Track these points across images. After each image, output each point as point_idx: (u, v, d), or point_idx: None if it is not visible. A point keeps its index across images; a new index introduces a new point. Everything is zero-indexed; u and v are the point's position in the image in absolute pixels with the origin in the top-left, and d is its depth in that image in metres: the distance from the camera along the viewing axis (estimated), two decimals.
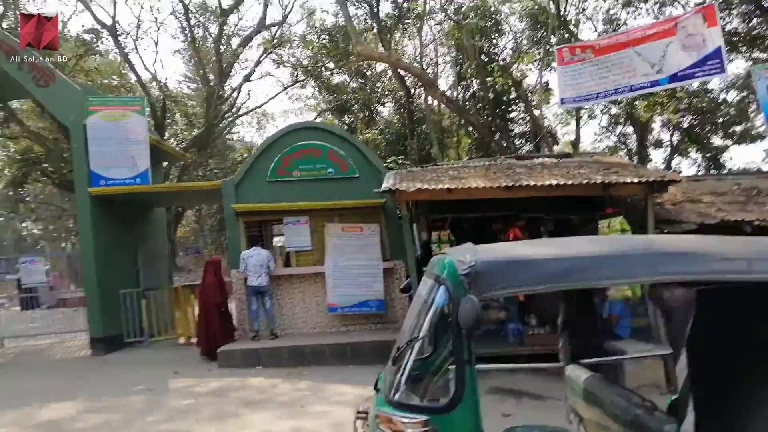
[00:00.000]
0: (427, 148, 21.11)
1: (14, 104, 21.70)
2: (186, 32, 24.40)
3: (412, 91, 18.42)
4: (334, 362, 8.33)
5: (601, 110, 25.72)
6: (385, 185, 7.18)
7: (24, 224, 18.56)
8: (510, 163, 8.53)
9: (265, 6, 23.85)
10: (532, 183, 6.82)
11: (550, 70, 15.95)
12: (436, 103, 20.42)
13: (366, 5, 21.38)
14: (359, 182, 10.24)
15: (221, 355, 8.41)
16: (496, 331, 8.76)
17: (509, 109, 20.02)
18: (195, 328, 9.76)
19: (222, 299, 9.06)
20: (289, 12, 26.05)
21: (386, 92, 25.82)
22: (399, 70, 19.46)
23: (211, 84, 21.74)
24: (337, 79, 27.72)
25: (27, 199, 16.18)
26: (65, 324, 10.56)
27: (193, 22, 23.08)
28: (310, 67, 27.10)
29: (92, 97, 10.65)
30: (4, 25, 17.76)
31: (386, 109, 26.96)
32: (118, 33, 21.92)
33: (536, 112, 16.57)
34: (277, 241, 11.63)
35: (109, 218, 10.43)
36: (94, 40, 22.14)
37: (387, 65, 26.37)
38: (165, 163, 18.30)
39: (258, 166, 10.24)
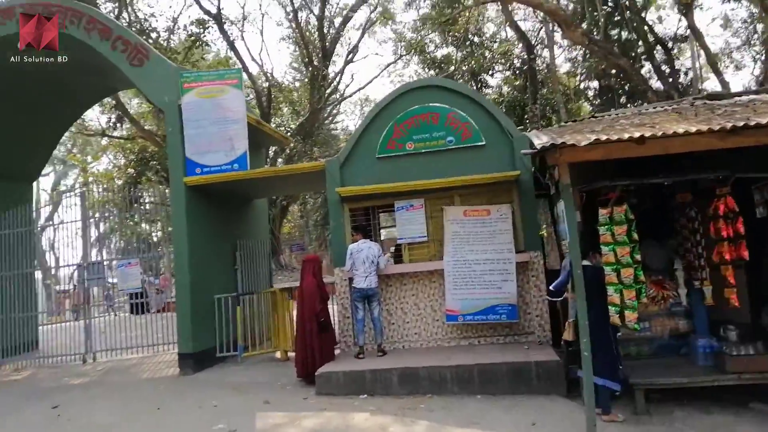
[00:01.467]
0: (549, 115, 18.30)
1: (128, 101, 22.30)
2: (289, 15, 23.57)
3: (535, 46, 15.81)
4: (457, 391, 6.32)
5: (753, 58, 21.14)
6: (539, 141, 4.93)
7: (140, 225, 18.42)
8: (705, 104, 5.85)
9: None
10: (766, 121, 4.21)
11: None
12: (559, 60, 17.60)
13: None
14: (487, 152, 8.07)
15: (320, 379, 6.71)
16: (674, 348, 6.27)
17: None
18: (293, 340, 8.19)
19: (322, 307, 7.35)
20: None
21: (497, 57, 23.26)
22: (516, 23, 16.88)
23: (316, 64, 20.47)
24: (442, 52, 25.87)
25: (142, 199, 15.77)
26: (162, 333, 9.48)
27: (297, 3, 22.10)
28: (413, 41, 25.43)
29: (186, 72, 9.47)
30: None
31: (495, 79, 24.49)
32: (223, 22, 21.51)
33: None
34: (385, 234, 9.79)
35: (206, 212, 9.21)
36: (201, 31, 21.90)
37: (502, 21, 24.08)
38: (267, 151, 17.35)
39: (366, 141, 8.43)
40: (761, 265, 5.60)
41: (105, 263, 11.59)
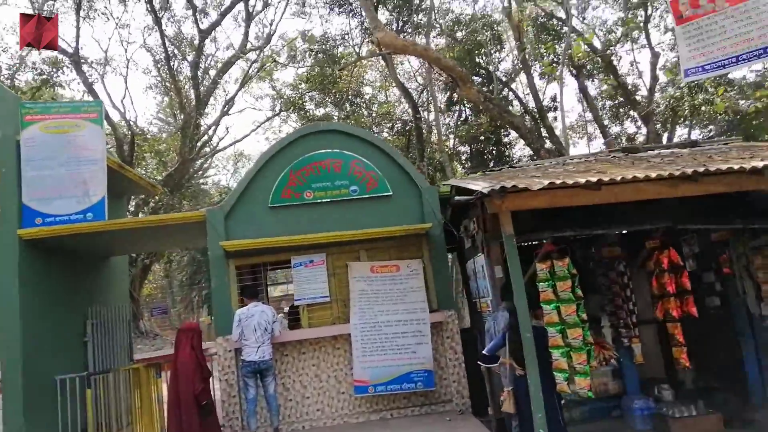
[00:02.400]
0: (432, 174, 18.61)
1: None
2: (159, 63, 21.92)
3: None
4: None
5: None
6: (479, 187, 4.30)
7: None
8: (629, 155, 5.78)
9: (247, 27, 21.49)
10: (726, 167, 4.03)
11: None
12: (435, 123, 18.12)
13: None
14: (394, 202, 7.43)
15: None
16: (604, 410, 5.90)
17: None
18: (161, 428, 6.54)
19: (203, 387, 5.93)
20: (272, 34, 23.35)
21: (377, 119, 23.62)
22: (401, 83, 17.13)
23: (190, 112, 18.92)
24: (321, 111, 25.82)
25: None
26: None
27: (168, 49, 20.54)
28: (292, 98, 25.13)
29: (29, 103, 7.78)
30: None
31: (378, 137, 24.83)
32: (81, 62, 19.25)
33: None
34: (276, 294, 8.59)
35: (46, 273, 7.34)
36: (54, 71, 19.38)
37: (383, 83, 24.60)
38: (128, 201, 15.28)
39: (256, 188, 7.35)
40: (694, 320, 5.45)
41: None
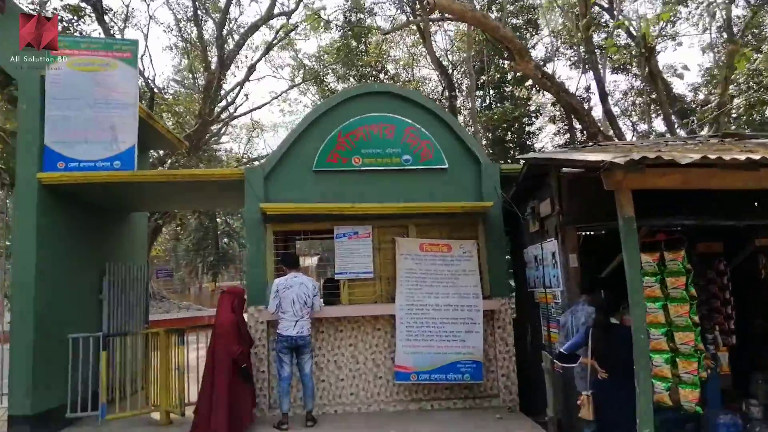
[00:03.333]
0: None
1: None
2: (182, 21, 21.13)
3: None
4: None
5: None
6: (598, 158, 3.65)
7: None
8: (738, 141, 5.11)
9: None
10: None
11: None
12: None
13: None
14: (449, 176, 6.78)
15: None
16: (676, 423, 5.28)
17: None
18: (180, 398, 5.98)
19: (242, 350, 5.47)
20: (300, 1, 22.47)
21: None
22: (437, 58, 16.41)
23: (214, 71, 18.17)
24: (342, 85, 25.10)
25: None
26: None
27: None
28: (313, 69, 24.36)
29: (61, 36, 7.04)
30: None
31: None
32: (104, 12, 18.46)
33: None
34: (309, 264, 7.99)
35: (66, 222, 6.75)
36: (75, 19, 18.61)
37: (411, 59, 23.82)
38: (153, 154, 14.71)
39: (300, 149, 6.71)
40: None
41: None
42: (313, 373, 5.89)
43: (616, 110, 25.11)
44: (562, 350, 4.61)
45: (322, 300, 6.49)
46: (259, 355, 6.18)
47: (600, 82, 11.57)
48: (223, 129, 27.51)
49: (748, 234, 4.78)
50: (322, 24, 22.03)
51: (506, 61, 20.57)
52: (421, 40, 24.34)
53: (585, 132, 9.31)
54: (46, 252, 6.26)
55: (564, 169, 3.68)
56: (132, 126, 6.57)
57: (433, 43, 22.39)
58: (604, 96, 11.57)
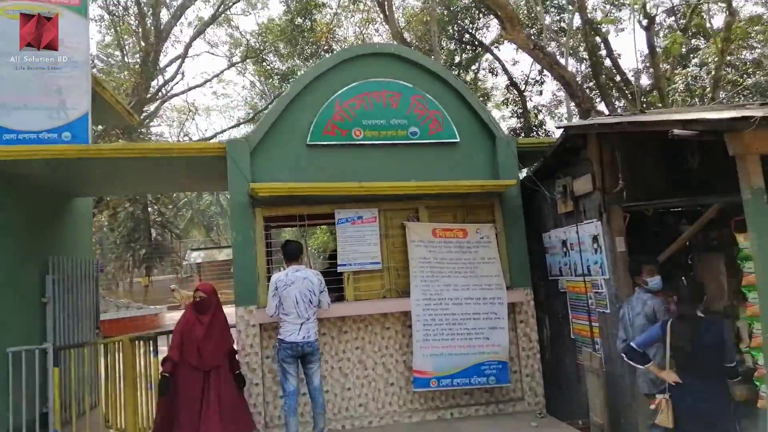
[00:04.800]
0: None
1: None
2: None
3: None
4: None
5: None
6: (716, 117, 2.95)
7: None
8: None
9: None
10: None
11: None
12: None
13: None
14: (461, 151, 6.00)
15: None
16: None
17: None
18: (154, 417, 4.89)
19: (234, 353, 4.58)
20: None
21: None
22: (401, 34, 15.60)
23: (151, 42, 16.43)
24: (285, 65, 23.79)
25: None
26: None
27: None
28: (253, 47, 22.96)
29: None
30: None
31: None
32: None
33: None
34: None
35: (3, 209, 5.39)
36: None
37: (363, 35, 22.72)
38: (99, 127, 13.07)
39: (291, 120, 5.69)
40: None
41: None
42: (323, 385, 4.98)
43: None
44: (633, 345, 3.95)
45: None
46: (251, 364, 5.18)
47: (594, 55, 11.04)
48: (159, 109, 25.47)
49: None
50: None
51: (455, 43, 20.04)
52: (371, 18, 23.42)
53: (578, 107, 8.81)
54: None
55: (675, 132, 2.99)
56: (84, 89, 5.38)
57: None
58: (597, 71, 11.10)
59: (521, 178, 6.20)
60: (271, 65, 23.76)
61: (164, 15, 20.20)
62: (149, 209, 29.77)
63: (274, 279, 4.84)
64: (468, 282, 5.53)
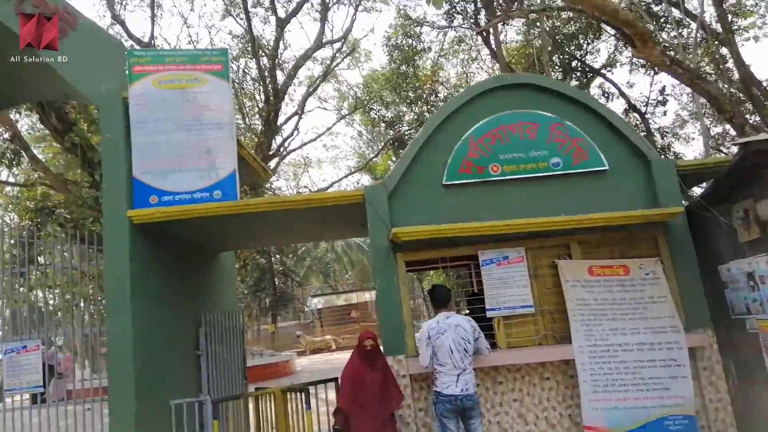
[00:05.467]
0: None
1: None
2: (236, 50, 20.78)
3: None
4: None
5: None
6: None
7: (33, 292, 14.00)
8: None
9: (323, 21, 20.05)
10: None
11: None
12: None
13: None
14: (611, 180, 5.48)
15: None
16: None
17: None
18: None
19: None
20: (350, 29, 22.02)
21: None
22: (507, 64, 15.36)
23: (272, 103, 17.56)
24: (390, 113, 24.39)
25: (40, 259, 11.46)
26: None
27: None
28: (359, 98, 23.76)
29: (139, 51, 6.29)
30: None
31: None
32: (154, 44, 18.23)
33: None
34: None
35: (159, 268, 5.80)
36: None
37: (466, 77, 22.70)
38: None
39: (425, 161, 5.58)
40: None
41: None
42: None
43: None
44: None
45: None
46: (404, 417, 4.93)
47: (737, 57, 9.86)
48: (278, 165, 27.07)
49: None
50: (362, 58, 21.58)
51: (562, 71, 19.16)
52: (473, 57, 23.39)
53: (730, 123, 7.88)
54: (141, 304, 5.27)
55: None
56: (230, 148, 5.61)
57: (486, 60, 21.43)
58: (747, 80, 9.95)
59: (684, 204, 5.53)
60: (378, 112, 24.51)
61: (279, 76, 21.74)
62: (272, 259, 31.37)
63: (425, 327, 4.60)
64: (637, 325, 4.92)
